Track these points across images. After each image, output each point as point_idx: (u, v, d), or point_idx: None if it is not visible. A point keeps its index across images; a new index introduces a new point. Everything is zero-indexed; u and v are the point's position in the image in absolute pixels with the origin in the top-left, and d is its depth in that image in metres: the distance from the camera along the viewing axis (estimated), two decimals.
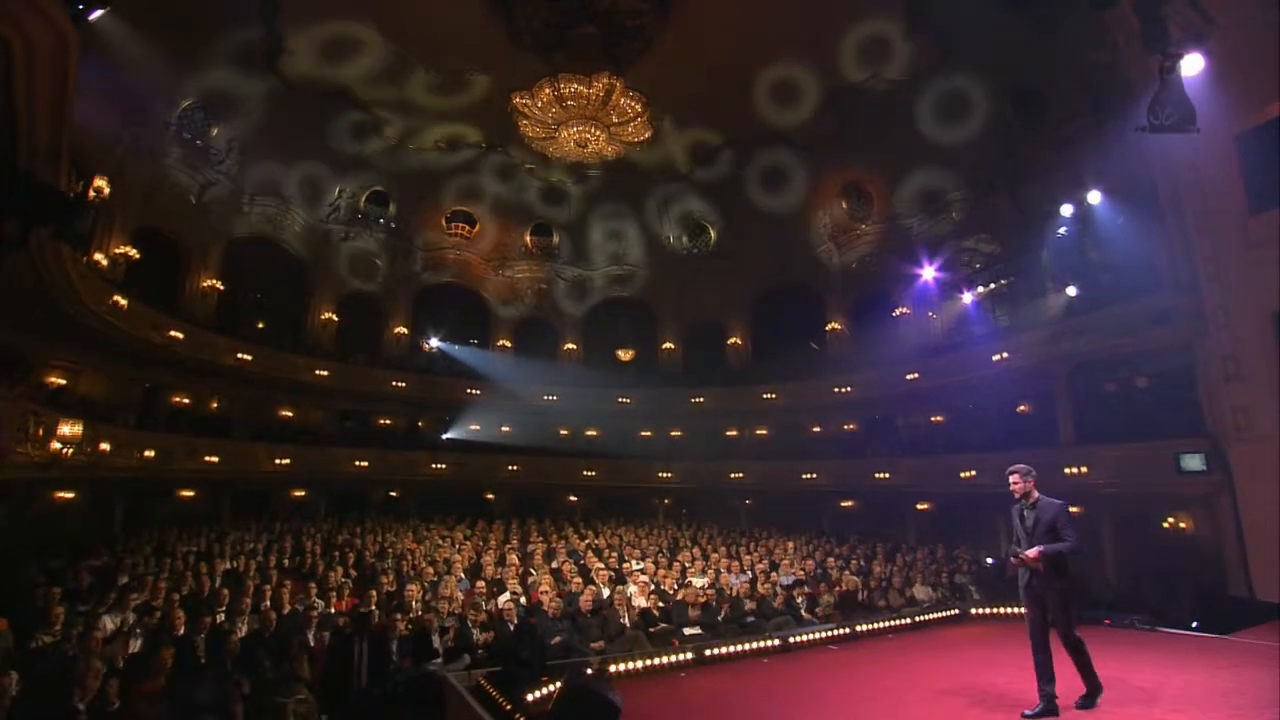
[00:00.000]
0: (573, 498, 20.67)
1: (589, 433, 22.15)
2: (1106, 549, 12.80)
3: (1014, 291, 15.36)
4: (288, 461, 16.96)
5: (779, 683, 6.95)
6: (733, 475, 19.81)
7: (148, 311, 14.18)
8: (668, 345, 23.59)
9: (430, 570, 9.92)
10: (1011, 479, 5.10)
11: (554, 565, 10.89)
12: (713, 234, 22.73)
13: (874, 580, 10.89)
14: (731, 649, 7.92)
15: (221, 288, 17.66)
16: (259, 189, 18.10)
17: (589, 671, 6.46)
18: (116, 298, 12.66)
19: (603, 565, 10.40)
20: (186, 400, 17.07)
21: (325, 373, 18.53)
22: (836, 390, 19.05)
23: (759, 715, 5.82)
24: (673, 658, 7.52)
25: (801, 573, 11.08)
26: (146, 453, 13.49)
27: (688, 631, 8.19)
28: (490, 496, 19.94)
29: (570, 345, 23.51)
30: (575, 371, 22.43)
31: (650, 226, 22.50)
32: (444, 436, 20.21)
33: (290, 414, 19.11)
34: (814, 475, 18.48)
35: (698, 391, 21.35)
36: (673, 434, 22.30)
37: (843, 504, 18.58)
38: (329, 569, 9.55)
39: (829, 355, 20.48)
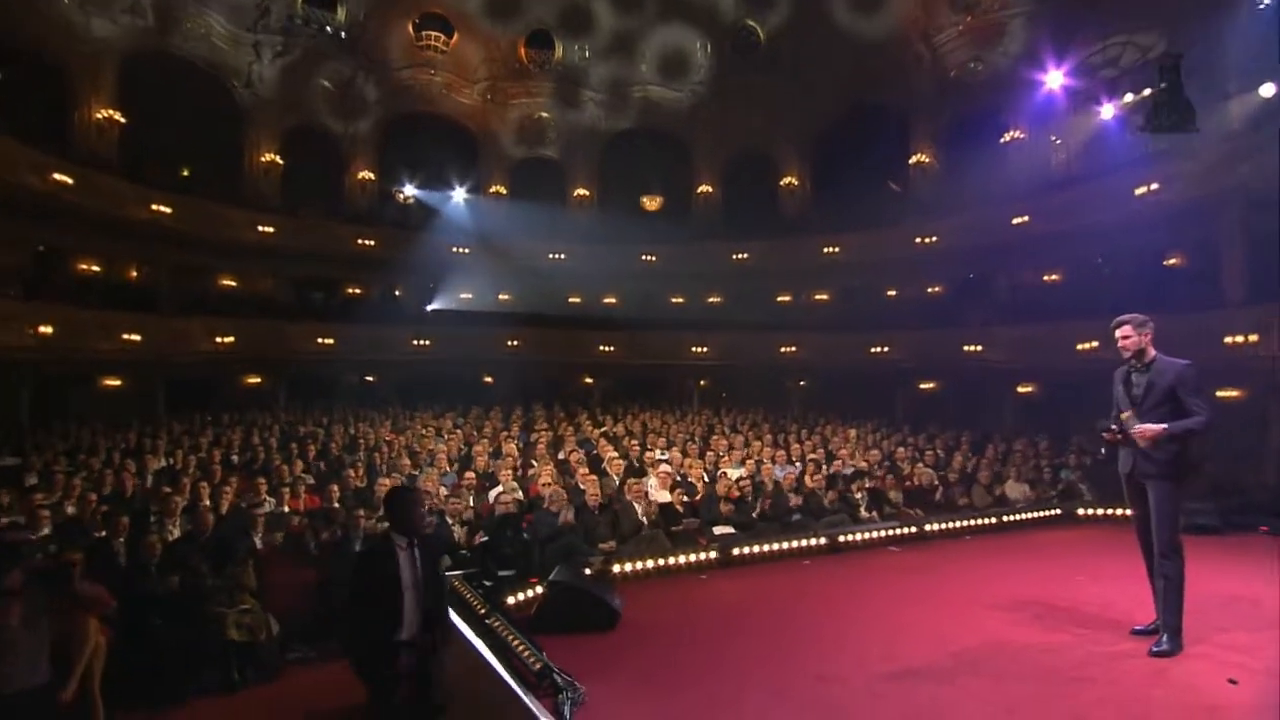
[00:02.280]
0: (588, 379, 20.67)
1: (606, 299, 21.89)
2: (1274, 440, 12.09)
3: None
4: (231, 340, 16.77)
5: (815, 584, 6.98)
6: (784, 350, 19.44)
7: (22, 149, 13.44)
8: (704, 188, 22.62)
9: (408, 463, 9.83)
10: (1120, 332, 4.68)
11: (560, 456, 10.80)
12: (761, 35, 20.86)
13: (953, 474, 10.65)
14: (766, 548, 7.92)
15: (123, 120, 16.57)
16: None
17: (588, 571, 6.39)
18: None
19: (618, 455, 10.32)
20: (95, 267, 16.65)
21: (270, 229, 17.99)
22: (919, 241, 18.17)
23: (785, 620, 5.89)
24: (692, 557, 7.55)
25: (865, 464, 10.97)
26: (42, 329, 13.21)
27: (717, 531, 8.20)
28: (488, 380, 20.01)
29: (581, 191, 22.62)
30: (588, 224, 21.76)
31: (682, 32, 20.91)
32: (428, 308, 20.00)
33: (233, 283, 18.80)
34: (886, 349, 18.01)
35: (741, 245, 20.69)
36: (710, 299, 21.99)
37: (921, 386, 18.22)
38: (285, 463, 9.51)
39: (911, 197, 19.33)
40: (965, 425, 14.54)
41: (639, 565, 7.28)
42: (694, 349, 19.95)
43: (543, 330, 19.68)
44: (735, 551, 7.82)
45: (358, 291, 20.35)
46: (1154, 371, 4.61)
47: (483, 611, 5.54)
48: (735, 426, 14.46)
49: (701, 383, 20.96)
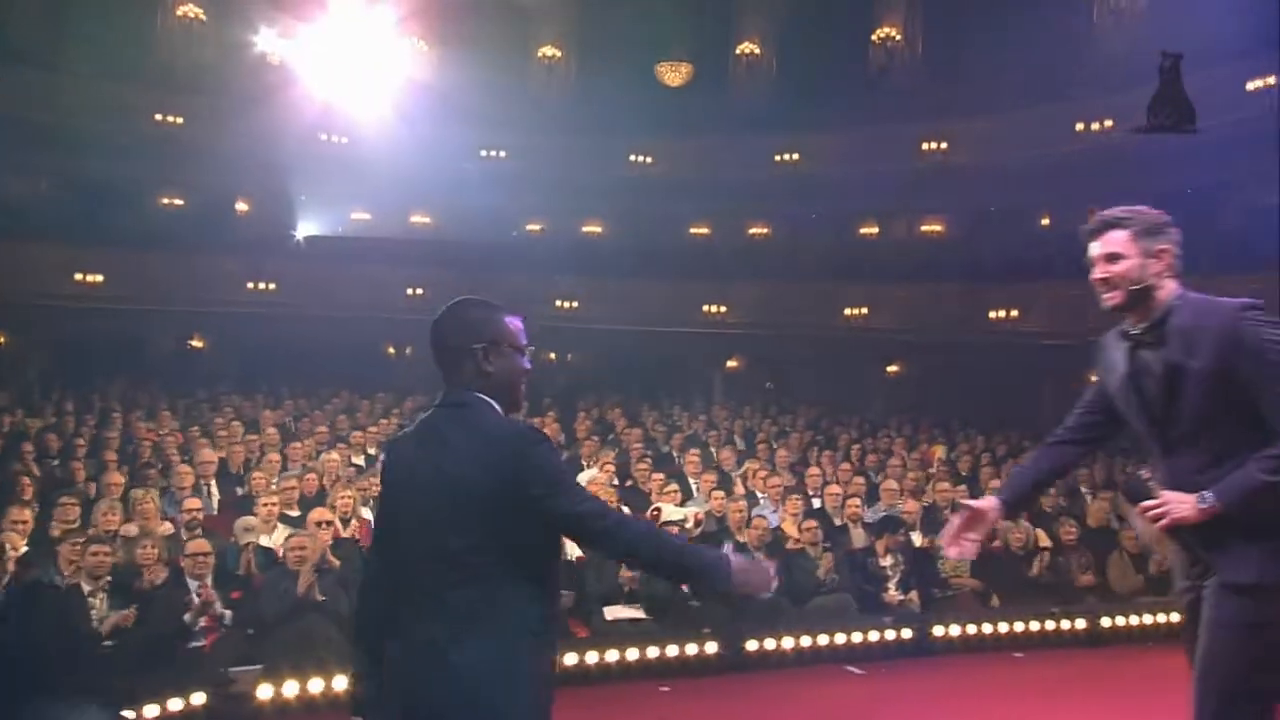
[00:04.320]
0: (551, 355, 18.09)
1: (587, 226, 18.77)
2: None
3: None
4: None
5: None
6: (850, 311, 15.89)
7: None
8: (748, 49, 18.33)
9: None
10: (1103, 247, 2.90)
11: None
12: None
13: (1069, 528, 8.76)
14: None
15: None
16: None
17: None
18: None
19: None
20: None
21: None
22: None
23: None
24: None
25: (910, 507, 9.14)
26: None
27: (609, 615, 7.41)
28: (391, 351, 17.60)
29: (549, 51, 18.37)
30: (557, 106, 17.98)
31: None
32: (293, 233, 17.01)
33: None
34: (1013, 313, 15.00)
35: (795, 138, 17.04)
36: (751, 229, 18.85)
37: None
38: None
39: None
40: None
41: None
42: (708, 308, 16.61)
43: (467, 272, 15.90)
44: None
45: (169, 201, 17.29)
46: (1175, 337, 2.79)
47: None
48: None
49: (731, 364, 18.03)
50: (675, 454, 11.45)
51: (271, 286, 15.56)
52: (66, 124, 15.30)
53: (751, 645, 6.93)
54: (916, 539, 8.40)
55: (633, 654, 6.73)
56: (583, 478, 8.84)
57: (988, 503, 2.99)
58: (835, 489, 9.35)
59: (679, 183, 17.80)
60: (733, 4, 18.64)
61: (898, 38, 17.29)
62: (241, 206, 17.59)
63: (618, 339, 16.99)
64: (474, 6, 18.01)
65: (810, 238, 18.27)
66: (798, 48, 18.46)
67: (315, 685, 5.59)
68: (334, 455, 9.47)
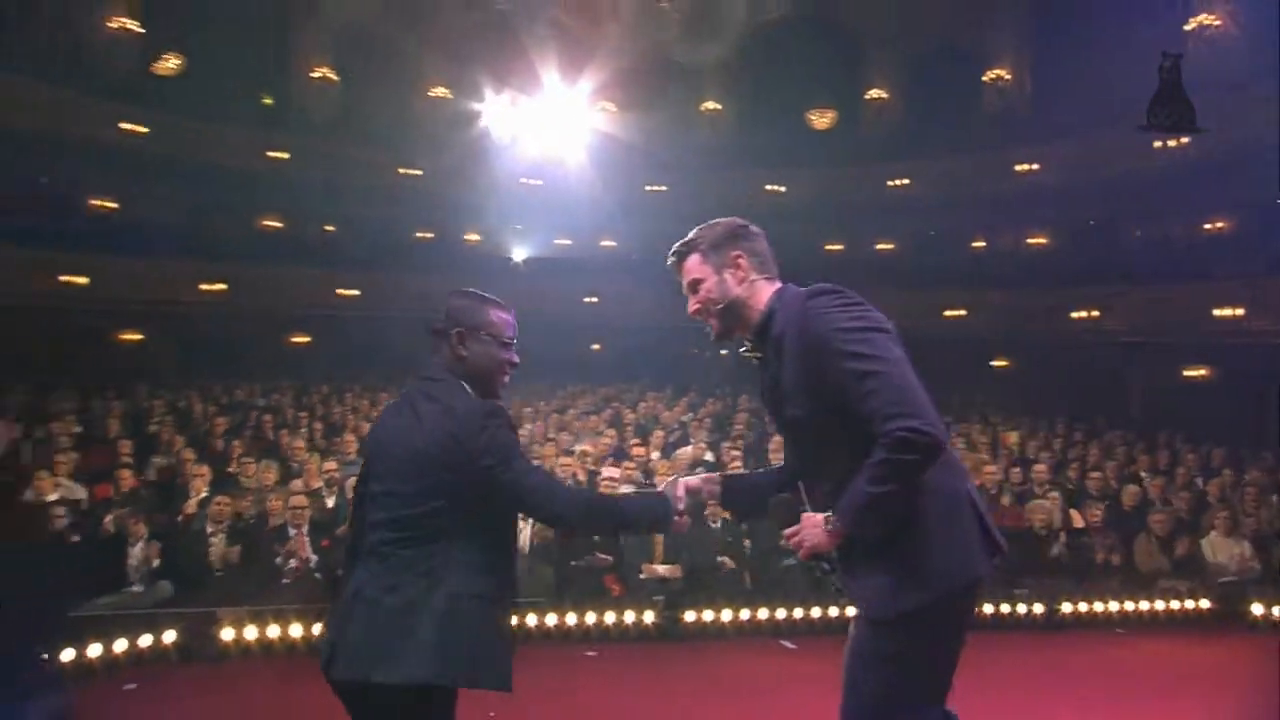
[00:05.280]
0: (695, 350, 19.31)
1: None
2: None
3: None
4: (85, 281, 15.64)
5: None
6: (949, 313, 17.08)
7: None
8: (876, 94, 20.05)
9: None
10: (685, 274, 2.52)
11: None
12: None
13: (1094, 510, 8.22)
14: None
15: None
16: None
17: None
18: None
19: None
20: None
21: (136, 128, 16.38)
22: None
23: None
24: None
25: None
26: None
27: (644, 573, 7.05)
28: (596, 348, 19.30)
29: (711, 105, 20.96)
30: (710, 148, 20.32)
31: None
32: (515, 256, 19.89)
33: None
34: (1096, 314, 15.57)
35: (904, 166, 18.58)
36: (879, 244, 20.19)
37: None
38: None
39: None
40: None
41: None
42: None
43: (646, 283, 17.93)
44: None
45: (419, 235, 20.36)
46: (771, 347, 2.38)
47: None
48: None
49: None
50: None
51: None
52: (338, 179, 18.37)
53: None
54: None
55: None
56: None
57: (703, 480, 2.65)
58: None
59: (799, 206, 19.19)
60: (866, 57, 20.30)
61: (1007, 78, 18.52)
62: (473, 237, 20.82)
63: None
64: (653, 73, 20.72)
65: (922, 253, 19.14)
66: (921, 93, 19.64)
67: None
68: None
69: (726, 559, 7.17)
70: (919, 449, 2.07)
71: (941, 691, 2.33)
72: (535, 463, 2.49)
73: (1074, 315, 15.91)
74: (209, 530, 6.82)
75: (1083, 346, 15.81)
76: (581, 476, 8.37)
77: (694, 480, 2.61)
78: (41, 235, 15.01)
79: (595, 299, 18.94)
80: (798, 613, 6.85)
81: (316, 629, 5.96)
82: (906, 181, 18.28)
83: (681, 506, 2.47)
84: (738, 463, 9.06)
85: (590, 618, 6.62)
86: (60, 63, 15.13)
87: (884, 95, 19.85)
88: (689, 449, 9.85)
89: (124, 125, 16.23)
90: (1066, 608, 7.21)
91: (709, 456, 9.59)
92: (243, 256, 17.20)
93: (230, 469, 8.50)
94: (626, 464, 8.51)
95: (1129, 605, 7.37)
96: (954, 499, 2.25)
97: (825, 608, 6.73)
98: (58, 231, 15.40)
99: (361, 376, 15.01)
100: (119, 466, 8.31)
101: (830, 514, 2.21)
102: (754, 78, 20.81)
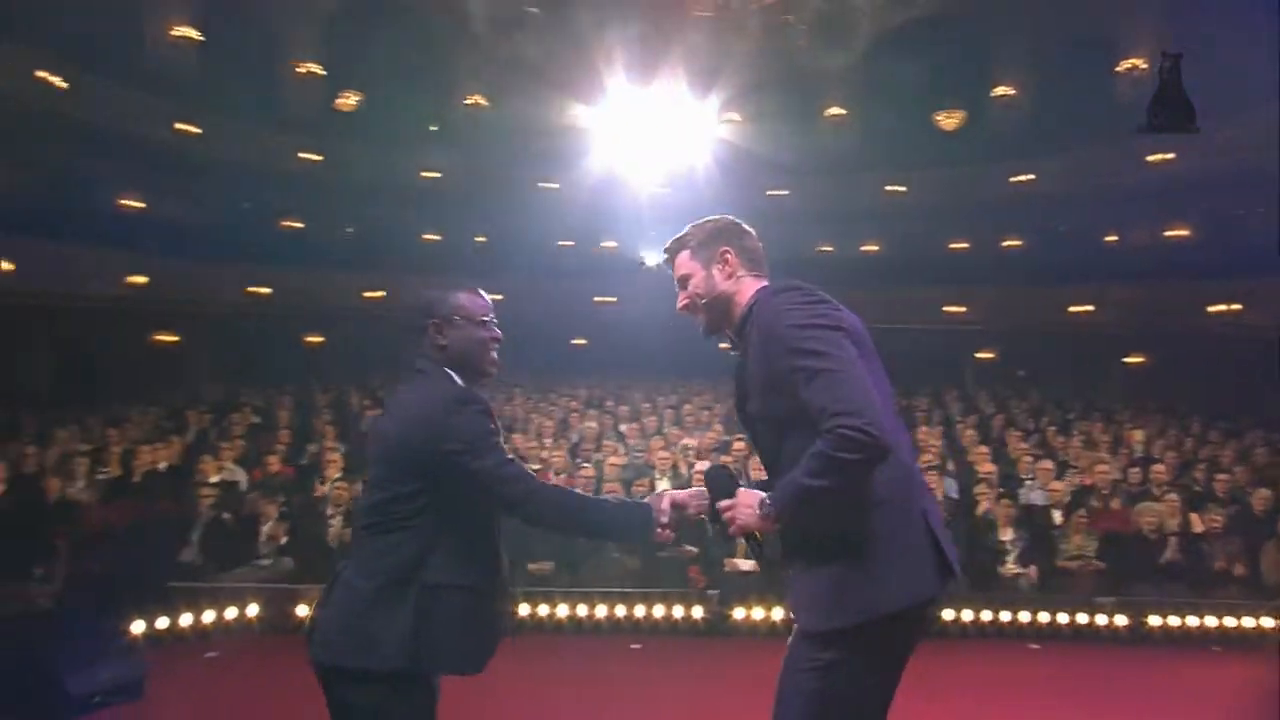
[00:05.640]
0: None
1: (865, 245, 20.58)
2: None
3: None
4: (267, 292, 17.58)
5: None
6: (1074, 309, 16.79)
7: None
8: (1003, 91, 19.61)
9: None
10: (677, 270, 2.57)
11: None
12: None
13: (1214, 516, 7.74)
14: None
15: None
16: None
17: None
18: None
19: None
20: None
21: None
22: None
23: None
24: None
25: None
26: None
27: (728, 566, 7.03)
28: (724, 346, 18.94)
29: (835, 110, 21.10)
30: (841, 149, 20.41)
31: None
32: (642, 260, 20.37)
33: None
34: (1236, 307, 15.02)
35: (1030, 162, 18.06)
36: (1005, 241, 19.62)
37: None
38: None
39: None
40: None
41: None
42: (948, 307, 18.18)
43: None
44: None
45: (560, 245, 21.33)
46: (748, 341, 2.40)
47: None
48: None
49: (978, 355, 18.80)
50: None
51: (613, 299, 19.74)
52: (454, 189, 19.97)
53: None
54: (1057, 517, 7.91)
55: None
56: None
57: (690, 495, 2.53)
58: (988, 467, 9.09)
59: (923, 205, 19.11)
60: (988, 64, 19.82)
61: (1144, 67, 17.50)
62: (609, 244, 21.73)
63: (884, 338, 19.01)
64: (776, 83, 21.03)
65: (1043, 250, 18.58)
66: (1047, 84, 19.05)
67: None
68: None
69: None
70: (858, 448, 2.02)
71: (872, 717, 2.23)
72: (509, 454, 2.38)
73: (1211, 309, 15.28)
74: (329, 512, 7.25)
75: (1221, 341, 15.12)
76: (683, 470, 8.67)
77: (681, 494, 2.52)
78: (239, 252, 17.28)
79: None
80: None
81: None
82: (1032, 177, 17.80)
83: (665, 519, 2.41)
84: None
85: (639, 610, 6.70)
86: (254, 104, 17.27)
87: (1011, 91, 19.45)
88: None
89: (302, 155, 18.33)
90: (1154, 620, 6.74)
91: None
92: (402, 267, 18.80)
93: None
94: (724, 457, 8.67)
95: (1236, 620, 6.66)
96: (905, 515, 2.16)
97: None
98: (252, 248, 17.59)
99: (511, 375, 15.80)
100: (269, 453, 9.12)
101: (766, 500, 2.19)
102: (879, 81, 20.47)
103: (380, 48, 17.66)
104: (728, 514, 2.26)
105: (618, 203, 19.92)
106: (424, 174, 19.50)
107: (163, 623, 6.28)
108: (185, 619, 6.26)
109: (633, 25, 20.44)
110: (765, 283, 2.45)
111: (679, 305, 2.53)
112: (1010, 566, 7.16)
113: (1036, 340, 17.65)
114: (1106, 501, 8.41)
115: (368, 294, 18.93)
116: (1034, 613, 6.79)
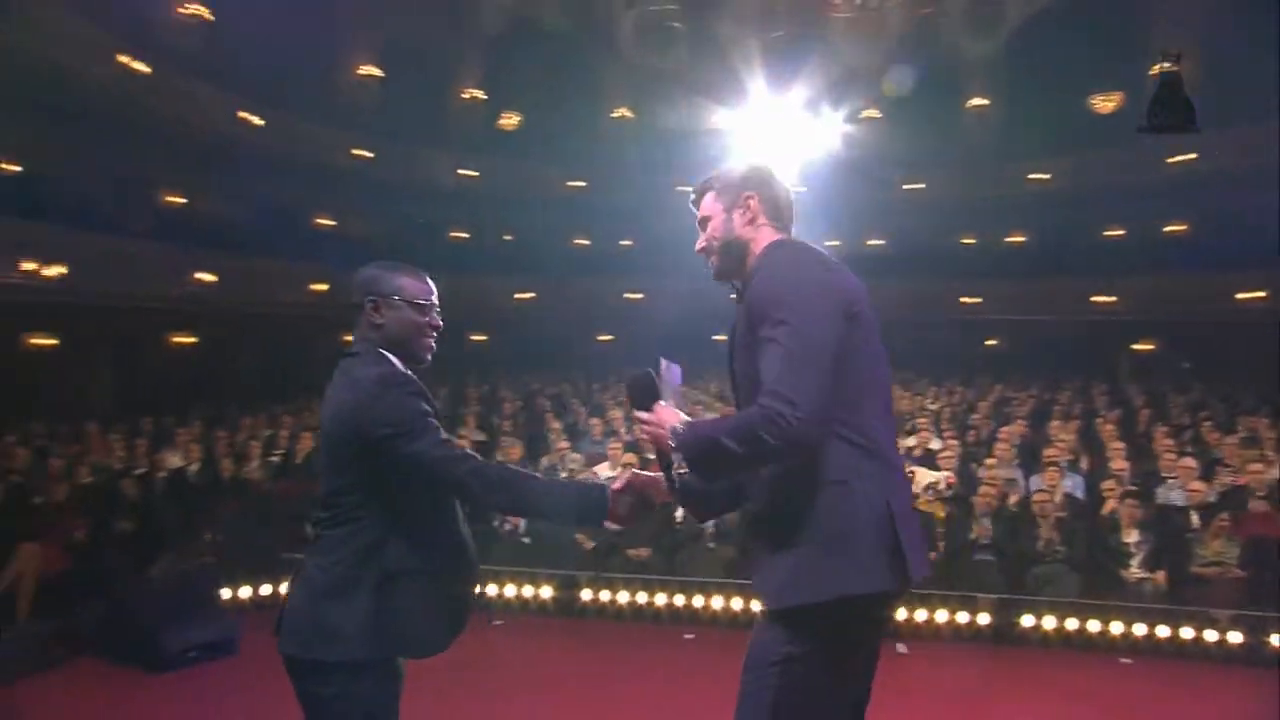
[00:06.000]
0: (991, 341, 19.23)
1: (1010, 237, 20.23)
2: None
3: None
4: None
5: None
6: (1242, 296, 16.21)
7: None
8: (1160, 68, 18.21)
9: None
10: (700, 209, 2.46)
11: None
12: None
13: None
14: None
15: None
16: None
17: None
18: None
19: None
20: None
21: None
22: None
23: None
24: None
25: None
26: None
27: None
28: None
29: (978, 101, 20.64)
30: (982, 140, 19.86)
31: None
32: None
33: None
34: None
35: (1189, 140, 16.53)
36: (1167, 227, 18.67)
37: None
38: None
39: None
40: None
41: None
42: (1095, 297, 17.65)
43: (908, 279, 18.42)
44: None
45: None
46: (748, 293, 2.31)
47: None
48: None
49: (1133, 345, 18.17)
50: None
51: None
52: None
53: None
54: (1195, 519, 7.37)
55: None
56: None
57: (652, 479, 2.39)
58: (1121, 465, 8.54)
59: (1076, 194, 18.39)
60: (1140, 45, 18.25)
61: None
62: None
63: (1031, 329, 18.13)
64: (918, 77, 20.17)
65: (1222, 231, 17.37)
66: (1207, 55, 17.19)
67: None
68: None
69: None
70: (779, 434, 1.96)
71: (827, 715, 2.20)
72: (444, 434, 2.29)
73: None
74: None
75: None
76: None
77: (644, 476, 2.41)
78: (413, 262, 19.15)
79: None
80: (920, 615, 6.52)
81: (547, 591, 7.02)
82: (1193, 156, 16.74)
83: (614, 504, 2.33)
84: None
85: (698, 601, 6.78)
86: (419, 126, 19.12)
87: (1168, 67, 18.35)
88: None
89: (460, 171, 20.16)
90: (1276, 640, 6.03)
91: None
92: (551, 271, 20.08)
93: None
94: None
95: None
96: (871, 508, 2.10)
97: (953, 611, 6.50)
98: (424, 258, 19.48)
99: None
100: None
101: (680, 425, 2.15)
102: (1024, 68, 19.65)
103: (537, 71, 18.96)
104: (646, 427, 2.23)
105: None
106: (570, 183, 20.79)
107: (266, 589, 7.03)
108: (285, 587, 7.14)
109: (773, 28, 20.93)
110: (783, 236, 2.35)
111: (697, 247, 2.44)
112: (1134, 570, 6.66)
113: (1205, 330, 16.59)
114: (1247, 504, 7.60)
115: (519, 296, 20.42)
116: (1132, 623, 6.33)
